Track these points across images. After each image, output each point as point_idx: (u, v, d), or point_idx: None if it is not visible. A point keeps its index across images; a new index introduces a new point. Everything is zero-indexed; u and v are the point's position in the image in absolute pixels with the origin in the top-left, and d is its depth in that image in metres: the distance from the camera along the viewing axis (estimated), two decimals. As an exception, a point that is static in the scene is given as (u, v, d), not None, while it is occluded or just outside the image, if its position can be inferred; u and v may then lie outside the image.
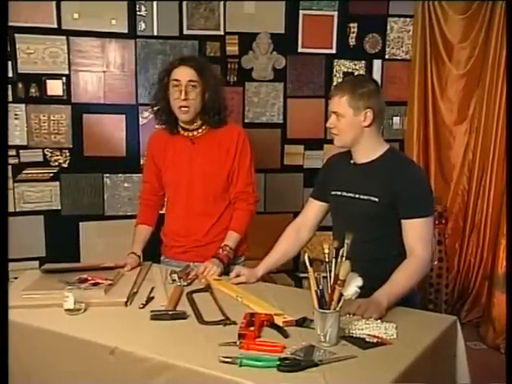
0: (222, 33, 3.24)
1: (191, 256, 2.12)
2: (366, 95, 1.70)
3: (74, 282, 1.77)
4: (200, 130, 2.11)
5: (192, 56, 2.21)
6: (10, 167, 2.99)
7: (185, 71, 2.03)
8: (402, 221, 1.70)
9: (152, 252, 2.27)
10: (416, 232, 1.67)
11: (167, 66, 2.12)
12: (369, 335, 1.45)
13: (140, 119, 3.19)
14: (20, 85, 2.99)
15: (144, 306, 1.68)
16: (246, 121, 3.38)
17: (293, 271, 3.36)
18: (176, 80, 2.03)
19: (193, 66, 2.04)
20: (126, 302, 1.70)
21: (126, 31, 3.11)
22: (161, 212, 2.27)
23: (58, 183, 3.12)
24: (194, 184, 2.10)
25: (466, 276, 3.63)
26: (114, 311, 1.65)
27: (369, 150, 1.76)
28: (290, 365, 1.28)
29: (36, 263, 2.91)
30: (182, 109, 2.03)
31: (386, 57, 3.50)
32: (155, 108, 2.14)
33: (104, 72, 3.13)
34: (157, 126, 2.27)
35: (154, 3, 3.13)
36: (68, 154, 3.13)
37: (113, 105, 3.15)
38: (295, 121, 3.45)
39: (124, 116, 3.18)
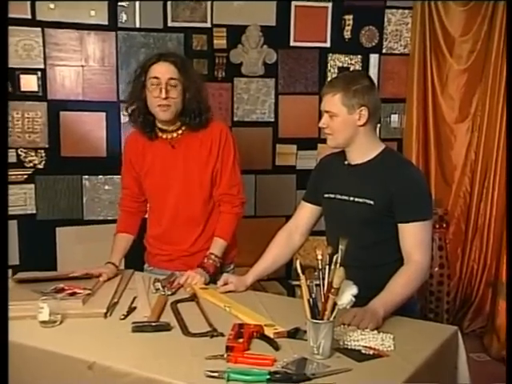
0: (209, 25, 3.25)
1: (177, 264, 2.10)
2: (360, 92, 1.70)
3: (49, 292, 1.76)
4: (180, 132, 2.07)
5: (171, 52, 2.16)
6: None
7: (165, 68, 1.98)
8: (399, 225, 1.71)
9: (135, 260, 2.26)
10: (414, 237, 1.68)
11: (144, 61, 2.05)
12: (364, 347, 1.45)
13: (121, 117, 3.18)
14: (-8, 80, 2.98)
15: (125, 317, 1.67)
16: (235, 119, 3.39)
17: (285, 279, 3.37)
18: (155, 78, 1.98)
19: (173, 62, 2.00)
20: (106, 313, 1.69)
21: (106, 23, 3.11)
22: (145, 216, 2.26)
23: (32, 185, 3.10)
24: (178, 191, 2.07)
25: (469, 283, 3.65)
26: (92, 323, 1.64)
27: (364, 150, 1.77)
28: (280, 379, 1.28)
29: (9, 272, 2.89)
30: (162, 107, 1.98)
31: (384, 51, 3.53)
32: (130, 108, 2.08)
33: (82, 66, 3.12)
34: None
35: (137, -7, 3.14)
36: (44, 155, 3.11)
37: (92, 102, 3.14)
38: (287, 119, 3.46)
39: (104, 114, 3.17)
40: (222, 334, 1.52)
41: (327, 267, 1.44)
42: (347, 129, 1.74)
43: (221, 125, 2.14)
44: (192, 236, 2.10)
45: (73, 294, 1.78)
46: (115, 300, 1.80)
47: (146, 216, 2.24)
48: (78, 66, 3.11)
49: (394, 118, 3.60)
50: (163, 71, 1.98)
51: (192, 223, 2.10)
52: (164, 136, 2.09)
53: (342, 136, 1.75)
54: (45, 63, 3.05)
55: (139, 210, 2.22)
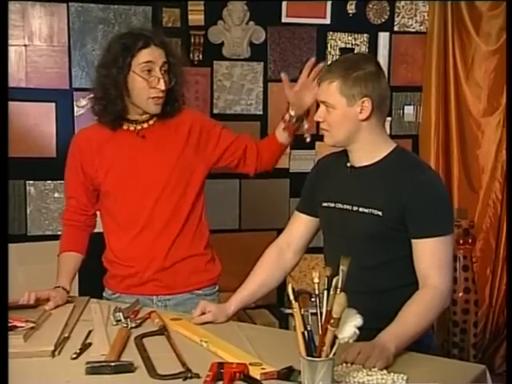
0: (183, -4, 3.28)
1: (153, 288, 2.10)
2: (362, 80, 1.73)
3: (-17, 326, 1.76)
4: (151, 122, 2.14)
5: (153, 30, 2.23)
6: None
7: (157, 53, 2.06)
8: (413, 241, 1.73)
9: (91, 285, 2.26)
10: (430, 255, 1.70)
11: (126, 44, 2.05)
12: (372, 390, 1.46)
13: (75, 108, 3.19)
14: None
15: (78, 355, 1.66)
16: (215, 111, 3.41)
17: (276, 306, 3.38)
18: (150, 62, 2.04)
19: (162, 45, 2.08)
20: (54, 352, 1.68)
21: (55, -8, 3.14)
22: (100, 230, 2.25)
23: (-36, 193, 3.10)
24: (151, 186, 2.11)
25: (501, 311, 3.68)
26: (36, 364, 1.63)
27: (369, 150, 1.79)
28: (268, 430, 1.29)
29: None
30: (158, 99, 2.06)
31: (395, 29, 3.58)
32: (99, 95, 2.09)
33: (25, 46, 3.12)
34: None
35: (93, -44, 3.16)
36: (-22, 155, 3.11)
37: (38, 89, 3.15)
38: (279, 111, 3.46)
39: (53, 104, 3.18)
40: (197, 376, 1.51)
41: (325, 292, 1.45)
42: (346, 124, 1.76)
43: (198, 113, 2.36)
44: (168, 240, 2.12)
45: (12, 329, 1.76)
46: (65, 335, 1.79)
47: (101, 230, 2.24)
48: (20, 45, 3.11)
49: (409, 110, 3.64)
50: (156, 57, 2.05)
51: (170, 225, 2.12)
52: (132, 127, 2.14)
53: (340, 132, 1.77)
54: (-21, 42, 3.06)
55: (87, 225, 2.23)
